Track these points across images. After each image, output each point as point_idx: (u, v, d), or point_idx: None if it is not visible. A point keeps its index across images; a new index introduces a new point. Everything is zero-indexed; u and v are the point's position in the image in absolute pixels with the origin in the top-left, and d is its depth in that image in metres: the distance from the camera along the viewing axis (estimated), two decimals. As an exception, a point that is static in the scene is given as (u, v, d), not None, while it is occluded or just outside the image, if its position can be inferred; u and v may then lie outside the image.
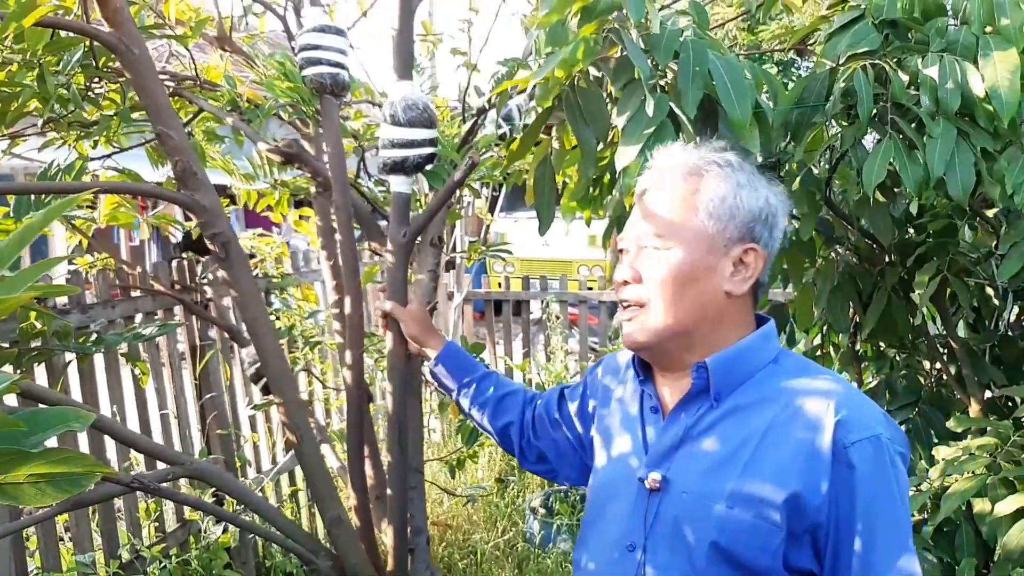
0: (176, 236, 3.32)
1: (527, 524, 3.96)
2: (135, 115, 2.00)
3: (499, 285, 5.53)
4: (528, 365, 4.82)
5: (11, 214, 1.69)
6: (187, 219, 2.69)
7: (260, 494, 2.95)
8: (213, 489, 2.86)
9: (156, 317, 2.72)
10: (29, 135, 2.07)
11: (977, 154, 1.45)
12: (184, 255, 2.88)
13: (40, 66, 1.59)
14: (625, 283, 1.14)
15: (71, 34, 1.57)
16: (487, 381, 1.55)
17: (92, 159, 2.16)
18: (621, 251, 1.19)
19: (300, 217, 3.18)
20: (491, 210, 7.70)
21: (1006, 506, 1.56)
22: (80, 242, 2.34)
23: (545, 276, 5.63)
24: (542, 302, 5.47)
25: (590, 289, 5.49)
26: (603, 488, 1.26)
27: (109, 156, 2.21)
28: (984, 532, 1.67)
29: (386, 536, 1.90)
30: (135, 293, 2.67)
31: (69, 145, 2.13)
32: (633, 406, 1.24)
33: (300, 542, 1.68)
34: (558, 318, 5.24)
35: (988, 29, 1.48)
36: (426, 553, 1.95)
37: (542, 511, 3.95)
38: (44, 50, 1.56)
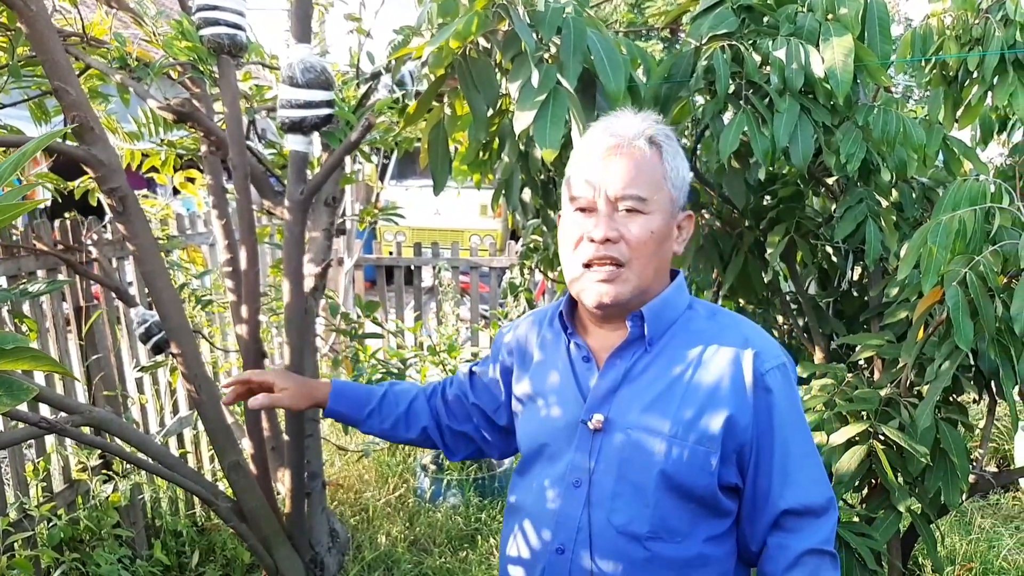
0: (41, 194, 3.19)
1: (418, 481, 4.09)
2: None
3: (391, 252, 5.57)
4: (420, 328, 4.92)
5: None
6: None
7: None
8: (99, 452, 2.85)
9: (39, 277, 2.66)
10: None
11: (817, 127, 1.66)
12: (66, 214, 2.81)
13: (-76, 16, 1.56)
14: (607, 240, 1.17)
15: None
16: (386, 401, 1.54)
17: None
18: (584, 209, 1.20)
19: (186, 179, 3.15)
20: (381, 178, 7.70)
21: (838, 437, 1.79)
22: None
23: (437, 244, 5.72)
24: (434, 269, 5.56)
25: (481, 257, 5.62)
26: (537, 434, 1.32)
27: (-10, 111, 2.17)
28: (823, 461, 1.90)
29: (283, 482, 1.98)
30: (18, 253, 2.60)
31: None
32: (560, 359, 1.32)
33: (203, 486, 1.74)
34: (450, 285, 5.34)
35: (829, 16, 1.69)
36: (322, 497, 2.05)
37: (432, 467, 4.08)
38: (-72, -1, 1.53)
